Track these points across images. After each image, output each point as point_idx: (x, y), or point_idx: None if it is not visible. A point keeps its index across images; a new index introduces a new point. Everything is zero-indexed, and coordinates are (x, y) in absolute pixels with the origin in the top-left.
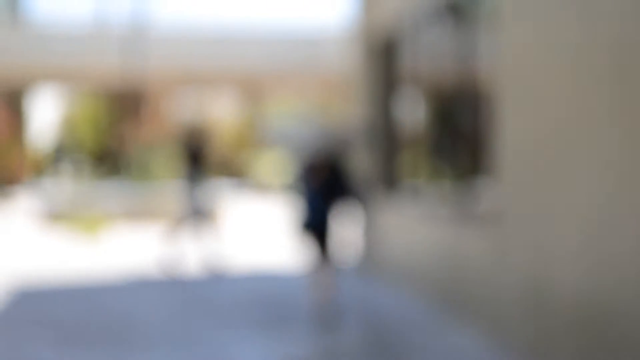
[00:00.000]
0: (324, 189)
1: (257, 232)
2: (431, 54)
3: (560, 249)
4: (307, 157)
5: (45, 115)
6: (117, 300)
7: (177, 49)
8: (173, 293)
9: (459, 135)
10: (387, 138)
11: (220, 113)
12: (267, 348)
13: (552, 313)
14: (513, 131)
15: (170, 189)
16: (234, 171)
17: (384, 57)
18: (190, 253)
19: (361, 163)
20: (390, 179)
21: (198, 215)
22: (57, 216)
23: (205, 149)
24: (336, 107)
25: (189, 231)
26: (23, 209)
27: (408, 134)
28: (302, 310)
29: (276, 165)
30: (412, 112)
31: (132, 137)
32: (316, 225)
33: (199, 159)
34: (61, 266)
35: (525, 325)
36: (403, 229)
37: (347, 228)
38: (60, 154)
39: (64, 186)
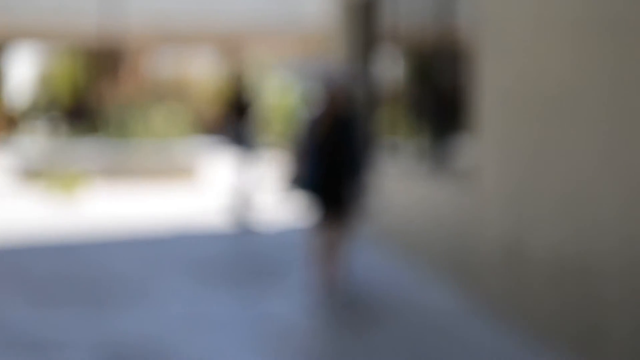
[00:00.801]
0: (336, 141)
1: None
2: (411, 10)
3: (538, 207)
4: (320, 102)
5: (23, 73)
6: (94, 257)
7: (155, 5)
8: (151, 250)
9: (438, 92)
10: (366, 95)
11: (199, 70)
12: (243, 305)
13: (530, 268)
14: (492, 88)
15: (148, 147)
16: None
17: (364, 14)
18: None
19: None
20: (369, 136)
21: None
22: (33, 174)
23: (252, 104)
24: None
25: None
26: None
27: (387, 91)
28: (288, 266)
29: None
30: (392, 70)
31: (110, 95)
32: (328, 186)
33: (244, 114)
34: (38, 223)
35: (503, 280)
36: (383, 186)
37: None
38: (37, 112)
39: (41, 144)
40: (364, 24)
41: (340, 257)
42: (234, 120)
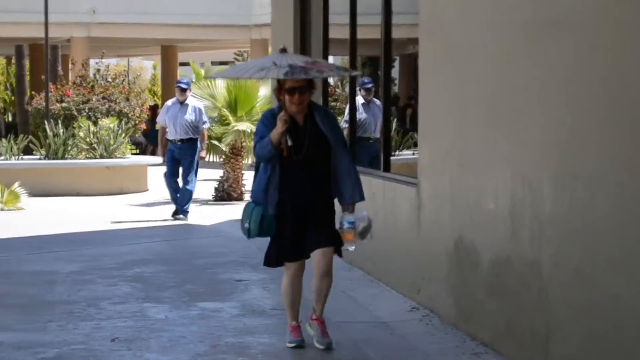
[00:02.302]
0: (313, 142)
1: None
2: (352, 8)
3: (479, 208)
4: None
5: None
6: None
7: (88, 7)
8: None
9: (386, 94)
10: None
11: (142, 73)
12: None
13: (473, 270)
14: (435, 88)
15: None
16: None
17: (304, 9)
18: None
19: None
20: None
21: None
22: None
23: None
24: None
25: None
26: None
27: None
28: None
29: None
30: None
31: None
32: (302, 201)
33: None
34: None
35: (448, 280)
36: None
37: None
38: None
39: None
40: (304, 20)
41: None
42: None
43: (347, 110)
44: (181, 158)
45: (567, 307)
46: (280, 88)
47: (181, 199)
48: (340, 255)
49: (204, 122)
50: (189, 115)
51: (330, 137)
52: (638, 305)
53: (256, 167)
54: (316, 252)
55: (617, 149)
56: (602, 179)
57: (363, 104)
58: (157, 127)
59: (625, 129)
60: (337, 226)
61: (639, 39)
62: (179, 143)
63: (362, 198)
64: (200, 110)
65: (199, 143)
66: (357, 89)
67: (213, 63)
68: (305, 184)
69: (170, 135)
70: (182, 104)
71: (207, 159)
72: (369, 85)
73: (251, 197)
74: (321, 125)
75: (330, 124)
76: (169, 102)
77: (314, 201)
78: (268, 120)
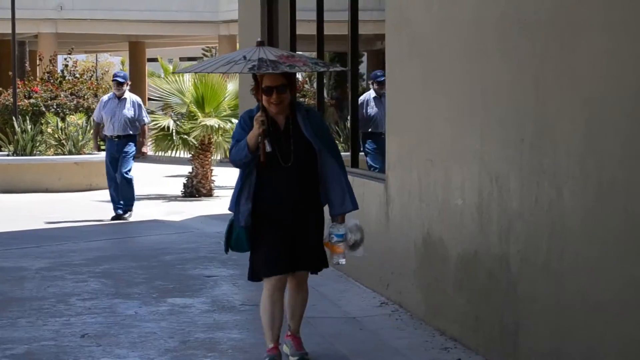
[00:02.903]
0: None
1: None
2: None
3: (448, 204)
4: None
5: None
6: None
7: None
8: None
9: (353, 92)
10: None
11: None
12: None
13: (441, 265)
14: (402, 84)
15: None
16: None
17: (271, 5)
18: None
19: None
20: None
21: None
22: None
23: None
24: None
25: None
26: None
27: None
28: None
29: None
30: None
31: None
32: (283, 213)
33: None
34: None
35: (417, 275)
36: None
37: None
38: None
39: None
40: (272, 18)
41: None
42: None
43: (352, 106)
44: (120, 156)
45: (536, 301)
46: (257, 87)
47: (122, 194)
48: (326, 266)
49: (144, 118)
50: (128, 111)
51: (314, 140)
52: (605, 300)
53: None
54: (299, 273)
55: (584, 145)
56: (569, 174)
57: (375, 98)
58: None
59: (592, 125)
60: (325, 237)
61: (606, 38)
62: (117, 140)
63: (354, 206)
64: (139, 105)
65: (138, 139)
66: (370, 82)
67: (181, 59)
68: (286, 194)
69: (108, 132)
70: (120, 98)
71: (176, 155)
72: (382, 79)
73: (228, 207)
74: (303, 127)
75: (314, 125)
76: (105, 97)
77: (297, 213)
78: (246, 122)
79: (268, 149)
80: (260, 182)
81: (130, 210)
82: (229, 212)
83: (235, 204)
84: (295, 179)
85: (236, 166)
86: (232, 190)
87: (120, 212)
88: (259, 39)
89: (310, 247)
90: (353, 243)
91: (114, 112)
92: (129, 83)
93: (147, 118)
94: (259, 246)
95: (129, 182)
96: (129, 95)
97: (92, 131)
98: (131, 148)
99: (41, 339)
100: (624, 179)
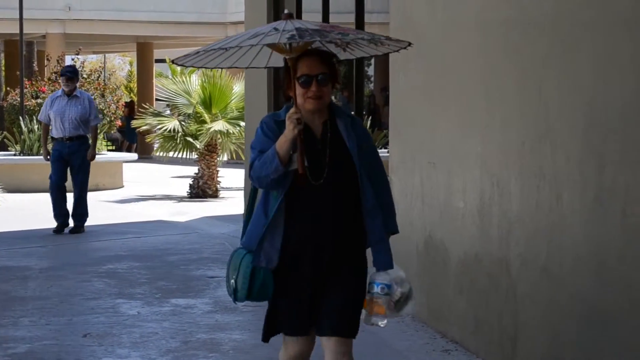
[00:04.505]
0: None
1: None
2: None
3: (449, 206)
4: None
5: None
6: None
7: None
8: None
9: (359, 89)
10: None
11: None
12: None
13: (443, 268)
14: (405, 87)
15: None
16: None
17: (277, 8)
18: None
19: None
20: None
21: None
22: None
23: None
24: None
25: None
26: None
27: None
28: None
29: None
30: None
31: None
32: (318, 249)
33: None
34: None
35: (418, 278)
36: None
37: None
38: None
39: None
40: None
41: None
42: None
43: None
44: (70, 159)
45: (535, 305)
46: (289, 79)
47: (76, 210)
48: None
49: (95, 117)
50: (79, 109)
51: (355, 157)
52: (604, 304)
53: (250, 198)
54: (332, 338)
55: (584, 149)
56: (569, 178)
57: None
58: (138, 123)
59: (592, 129)
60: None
61: (607, 42)
62: (68, 142)
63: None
64: (91, 101)
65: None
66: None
67: None
68: (323, 223)
69: (56, 133)
70: (70, 96)
71: (182, 156)
72: None
73: (242, 242)
74: (346, 137)
75: (359, 137)
76: (52, 95)
77: (336, 249)
78: (270, 128)
79: (306, 163)
80: (289, 208)
81: (83, 227)
82: (243, 247)
83: (259, 239)
84: (332, 203)
85: (261, 185)
86: (243, 204)
87: (68, 224)
88: (286, 11)
89: (346, 301)
90: (399, 298)
91: (64, 111)
92: (80, 79)
93: (98, 118)
94: (281, 294)
95: (84, 196)
96: (80, 93)
97: (40, 135)
98: (86, 156)
99: (43, 338)
100: (623, 183)
